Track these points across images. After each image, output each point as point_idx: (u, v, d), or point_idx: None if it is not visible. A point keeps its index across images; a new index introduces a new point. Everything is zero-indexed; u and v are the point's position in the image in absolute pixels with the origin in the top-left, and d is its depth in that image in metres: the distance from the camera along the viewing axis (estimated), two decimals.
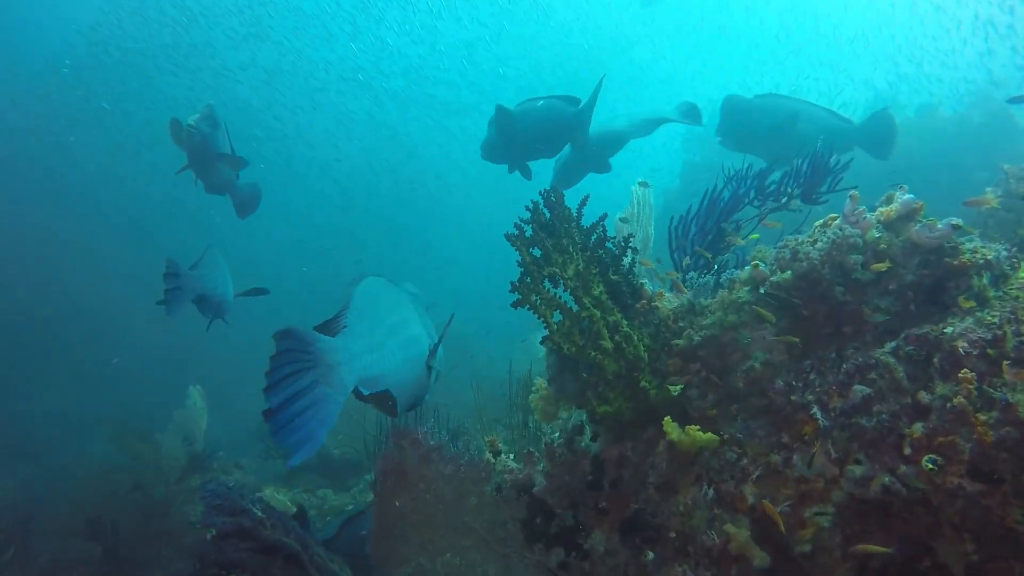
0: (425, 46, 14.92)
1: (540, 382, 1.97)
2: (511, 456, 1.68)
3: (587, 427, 1.77)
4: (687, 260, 1.74)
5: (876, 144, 3.21)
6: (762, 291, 1.47)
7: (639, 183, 2.33)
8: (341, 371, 1.32)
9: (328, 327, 1.44)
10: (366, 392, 1.39)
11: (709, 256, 1.82)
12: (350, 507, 3.60)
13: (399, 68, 15.26)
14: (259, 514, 1.42)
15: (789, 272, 1.38)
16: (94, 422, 6.17)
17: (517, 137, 3.01)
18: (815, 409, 1.28)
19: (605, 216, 1.65)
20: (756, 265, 1.48)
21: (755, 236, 1.85)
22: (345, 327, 1.44)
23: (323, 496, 3.79)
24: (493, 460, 1.66)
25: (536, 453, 1.67)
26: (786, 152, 3.04)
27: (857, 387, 1.23)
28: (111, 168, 13.07)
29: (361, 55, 14.64)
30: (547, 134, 3.05)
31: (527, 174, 3.31)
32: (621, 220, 2.26)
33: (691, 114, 3.37)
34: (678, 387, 1.31)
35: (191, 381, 4.85)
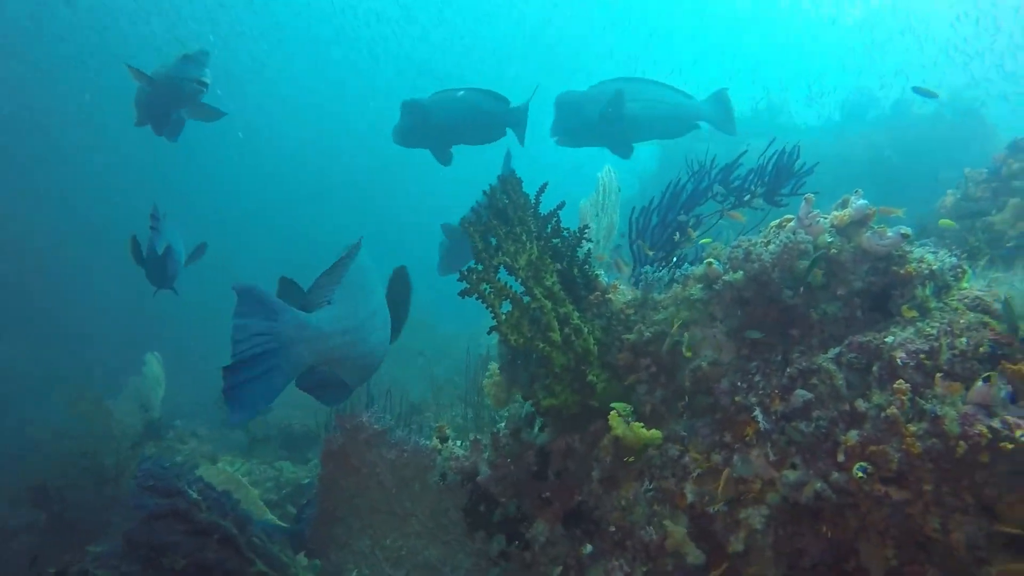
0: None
1: (494, 367, 1.96)
2: (459, 443, 1.67)
3: (527, 407, 1.76)
4: (647, 250, 1.73)
5: (720, 120, 3.24)
6: (716, 288, 1.46)
7: (606, 170, 2.30)
8: (299, 348, 1.30)
9: (313, 297, 1.43)
10: (318, 375, 1.38)
11: (650, 252, 1.81)
12: (306, 480, 3.59)
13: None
14: (194, 496, 1.39)
15: (741, 272, 1.37)
16: (50, 382, 6.03)
17: (431, 126, 3.03)
18: (757, 412, 1.28)
19: (563, 204, 1.62)
20: (710, 263, 1.47)
21: (707, 240, 1.84)
22: (329, 303, 1.43)
23: (280, 468, 3.77)
24: (440, 447, 1.65)
25: (484, 441, 1.66)
26: (624, 136, 3.08)
27: (799, 392, 1.24)
28: (68, 127, 12.57)
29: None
30: (465, 125, 3.09)
31: (445, 160, 3.31)
32: (585, 206, 2.23)
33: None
34: (659, 435, 1.32)
35: (153, 344, 4.74)
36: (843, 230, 1.32)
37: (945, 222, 1.73)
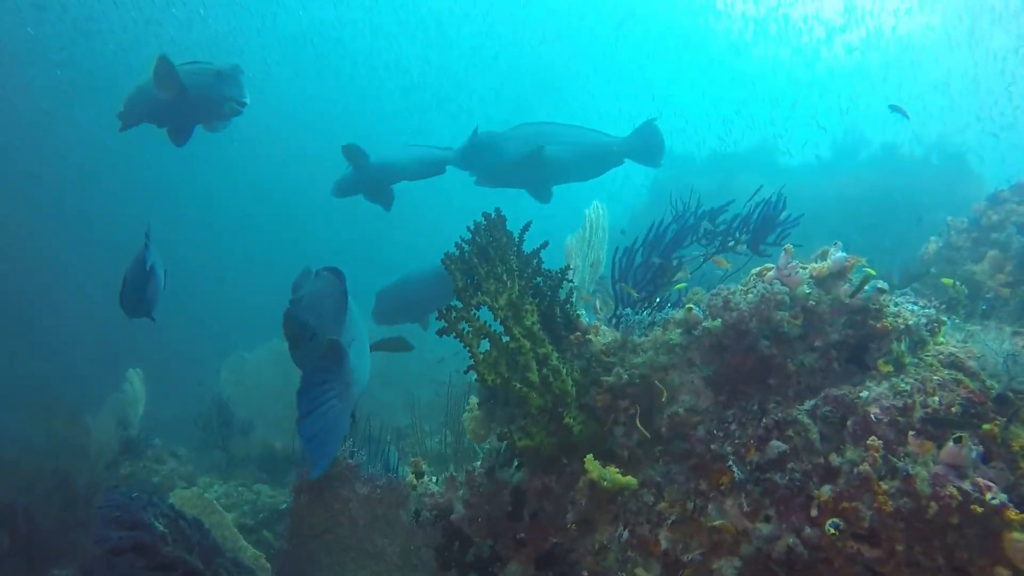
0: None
1: (474, 401, 1.95)
2: (435, 479, 1.65)
3: (502, 449, 1.75)
4: (630, 291, 1.73)
5: (646, 154, 3.18)
6: (695, 334, 1.47)
7: (594, 206, 2.32)
8: (353, 391, 1.52)
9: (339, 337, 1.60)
10: None
11: (635, 294, 1.81)
12: (283, 505, 3.52)
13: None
14: (160, 528, 1.35)
15: (720, 320, 1.38)
16: (20, 392, 5.92)
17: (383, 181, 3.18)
18: (731, 461, 1.28)
19: (546, 244, 1.63)
20: (690, 308, 1.48)
21: (681, 285, 1.85)
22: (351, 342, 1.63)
23: (258, 491, 3.70)
24: (415, 482, 1.63)
25: (459, 479, 1.64)
26: (544, 179, 3.10)
27: (774, 443, 1.23)
28: (39, 132, 12.54)
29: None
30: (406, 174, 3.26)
31: (387, 205, 3.42)
32: (571, 242, 2.24)
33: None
34: (634, 481, 1.31)
35: (131, 355, 4.67)
36: (822, 281, 1.33)
37: (947, 281, 1.75)
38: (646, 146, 3.12)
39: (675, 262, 1.87)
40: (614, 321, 1.85)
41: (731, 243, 1.76)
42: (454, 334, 1.34)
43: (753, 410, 1.33)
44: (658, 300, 1.84)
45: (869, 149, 6.73)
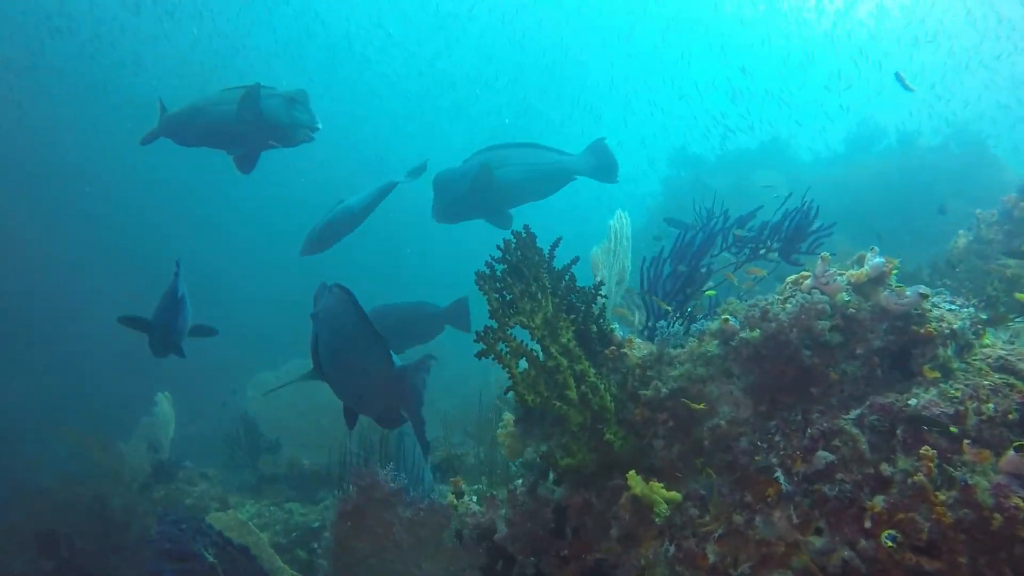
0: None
1: (508, 417, 1.95)
2: (474, 499, 1.65)
3: (543, 468, 1.74)
4: (661, 303, 1.73)
5: (600, 171, 3.15)
6: (732, 344, 1.46)
7: (617, 216, 2.32)
8: None
9: None
10: None
11: (669, 308, 1.80)
12: (316, 523, 3.54)
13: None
14: (210, 559, 1.37)
15: (758, 331, 1.37)
16: (53, 416, 6.01)
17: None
18: (778, 473, 1.26)
19: (576, 259, 1.63)
20: (726, 319, 1.47)
21: (711, 293, 1.84)
22: None
23: (290, 510, 3.72)
24: (456, 503, 1.63)
25: (499, 497, 1.64)
26: (498, 204, 3.07)
27: (821, 453, 1.22)
28: (68, 153, 12.78)
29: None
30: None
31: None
32: (597, 254, 2.24)
33: (417, 171, 3.39)
34: (678, 495, 1.30)
35: (158, 377, 4.72)
36: (860, 288, 1.32)
37: (1020, 296, 1.70)
38: (599, 164, 3.11)
39: (704, 270, 1.87)
40: (646, 333, 1.85)
41: (762, 251, 1.75)
42: (492, 356, 1.34)
43: (796, 420, 1.32)
44: (689, 310, 1.83)
45: (885, 139, 6.65)
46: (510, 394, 1.61)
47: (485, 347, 1.33)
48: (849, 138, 6.96)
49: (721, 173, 6.97)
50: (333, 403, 4.53)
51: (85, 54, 11.81)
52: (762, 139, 7.45)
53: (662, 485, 1.43)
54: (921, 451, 1.08)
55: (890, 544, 1.06)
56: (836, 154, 7.10)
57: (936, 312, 1.26)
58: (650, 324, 1.82)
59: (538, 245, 1.57)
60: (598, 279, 2.24)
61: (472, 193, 2.95)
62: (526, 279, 1.44)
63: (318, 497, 4.04)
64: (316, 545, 3.41)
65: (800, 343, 1.29)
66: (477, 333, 1.34)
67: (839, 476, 1.17)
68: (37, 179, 12.35)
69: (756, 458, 1.33)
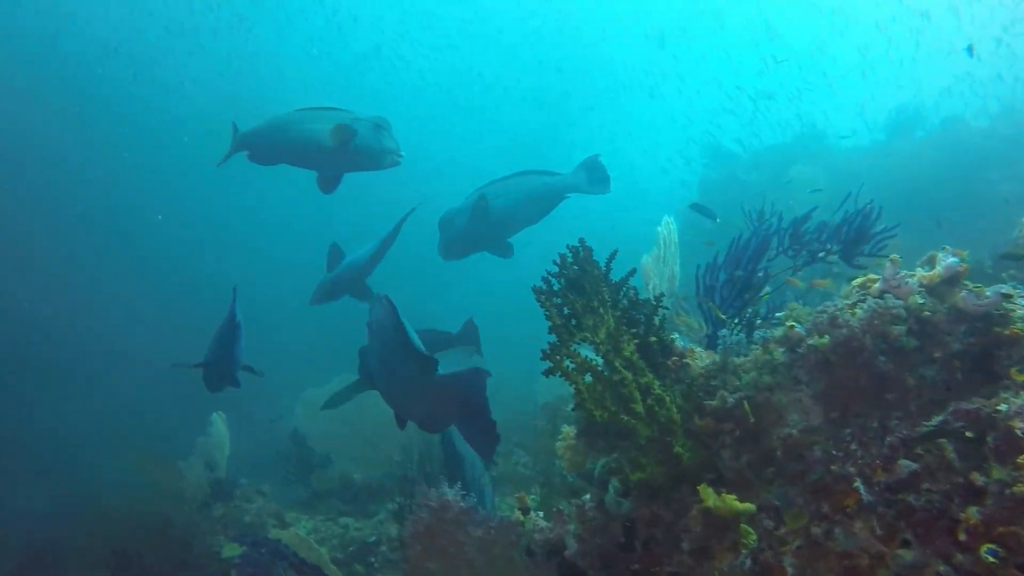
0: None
1: (567, 430, 1.95)
2: (540, 514, 1.65)
3: (612, 482, 1.74)
4: (719, 313, 1.71)
5: (593, 185, 3.18)
6: (799, 351, 1.44)
7: (665, 222, 2.31)
8: None
9: None
10: None
11: (723, 317, 1.78)
12: (372, 538, 3.59)
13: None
14: None
15: (827, 337, 1.34)
16: (113, 438, 6.24)
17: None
18: (858, 482, 1.24)
19: (633, 272, 1.63)
20: (791, 327, 1.45)
21: (766, 296, 1.81)
22: None
23: (345, 525, 3.79)
24: (522, 519, 1.64)
25: (566, 512, 1.64)
26: (498, 235, 3.15)
27: (903, 462, 1.19)
28: (116, 177, 13.26)
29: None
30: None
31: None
32: (648, 260, 2.23)
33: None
34: (752, 507, 1.29)
35: (208, 396, 4.86)
36: (933, 290, 1.29)
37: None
38: (592, 179, 3.16)
39: (760, 274, 1.84)
40: (705, 341, 1.83)
41: (821, 254, 1.72)
42: (559, 373, 1.35)
43: (873, 428, 1.29)
44: (748, 317, 1.81)
45: (927, 124, 6.45)
46: (570, 406, 1.61)
47: (552, 365, 1.34)
48: (889, 124, 6.76)
49: (756, 169, 6.85)
50: (381, 416, 4.59)
51: (126, 78, 12.32)
52: (797, 131, 7.30)
53: (734, 496, 1.41)
54: (1018, 460, 1.04)
55: (991, 560, 1.03)
56: (876, 142, 6.90)
57: (1020, 312, 1.22)
58: (708, 332, 1.80)
59: (595, 259, 1.57)
60: (649, 287, 2.23)
61: (472, 226, 3.05)
62: (587, 293, 1.44)
63: (371, 511, 4.10)
64: (373, 559, 3.47)
65: (875, 349, 1.26)
66: (543, 351, 1.35)
67: (925, 486, 1.14)
68: (79, 203, 12.84)
69: (832, 467, 1.30)
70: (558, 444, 1.95)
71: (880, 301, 1.25)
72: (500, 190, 3.13)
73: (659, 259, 2.17)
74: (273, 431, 5.51)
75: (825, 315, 1.35)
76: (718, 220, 3.46)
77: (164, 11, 12.05)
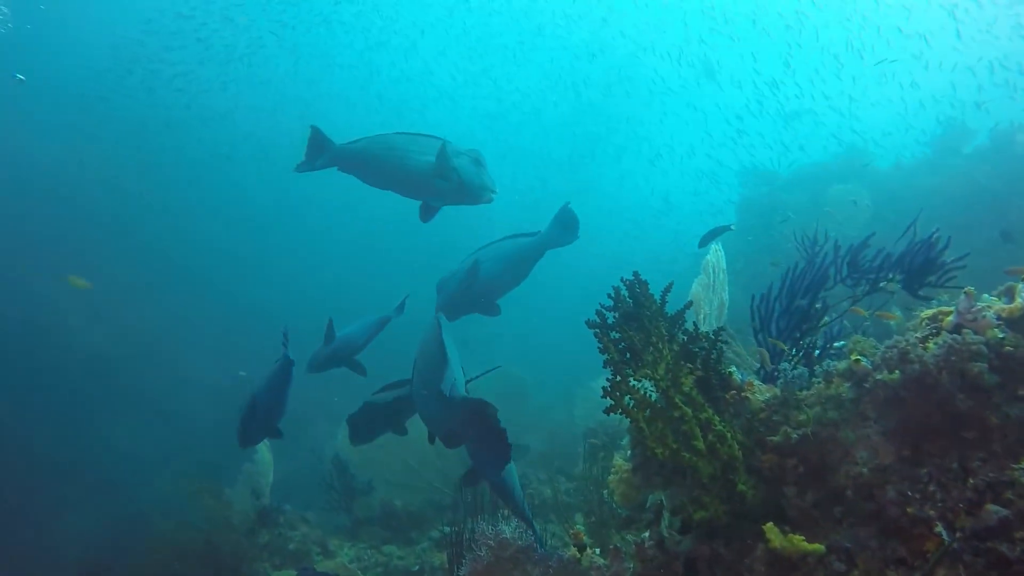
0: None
1: (619, 463, 1.92)
2: (596, 551, 1.63)
3: (665, 515, 1.70)
4: (779, 343, 1.67)
5: (565, 234, 3.21)
6: (866, 386, 1.39)
7: (713, 250, 2.28)
8: None
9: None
10: None
11: (785, 348, 1.74)
12: (415, 567, 3.58)
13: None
14: None
15: (898, 372, 1.30)
16: (165, 463, 6.38)
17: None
18: (940, 527, 1.18)
19: (690, 305, 1.61)
20: (857, 360, 1.41)
21: (824, 325, 1.77)
22: None
23: (388, 554, 3.78)
24: (579, 555, 1.61)
25: (623, 549, 1.61)
26: (488, 297, 3.22)
27: (991, 507, 1.13)
28: (168, 204, 13.77)
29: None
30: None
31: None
32: (697, 289, 2.21)
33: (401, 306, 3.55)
34: (821, 548, 1.25)
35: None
36: (1014, 323, 1.24)
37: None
38: (563, 232, 3.20)
39: (819, 305, 1.80)
40: (763, 374, 1.79)
41: (882, 284, 1.67)
42: (620, 411, 1.34)
43: (953, 469, 1.24)
44: (806, 348, 1.76)
45: (975, 140, 6.25)
46: (625, 440, 1.59)
47: (614, 403, 1.33)
48: (934, 140, 6.58)
49: (795, 189, 6.73)
50: (420, 443, 4.60)
51: (179, 104, 12.92)
52: (836, 150, 7.17)
53: (802, 537, 1.36)
54: None
55: None
56: (920, 159, 6.72)
57: None
58: (767, 366, 1.76)
59: (650, 292, 1.56)
60: (700, 316, 2.20)
61: (465, 291, 3.16)
62: (646, 328, 1.43)
63: (413, 538, 4.09)
64: None
65: (952, 386, 1.22)
66: (604, 389, 1.34)
67: (1020, 535, 1.08)
68: (124, 224, 13.37)
69: (908, 509, 1.25)
70: (610, 478, 1.92)
71: (957, 337, 1.21)
72: (490, 255, 3.22)
73: (708, 287, 2.14)
74: (314, 456, 5.57)
75: (895, 350, 1.31)
76: (733, 227, 3.54)
77: (221, 46, 12.64)
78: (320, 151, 2.84)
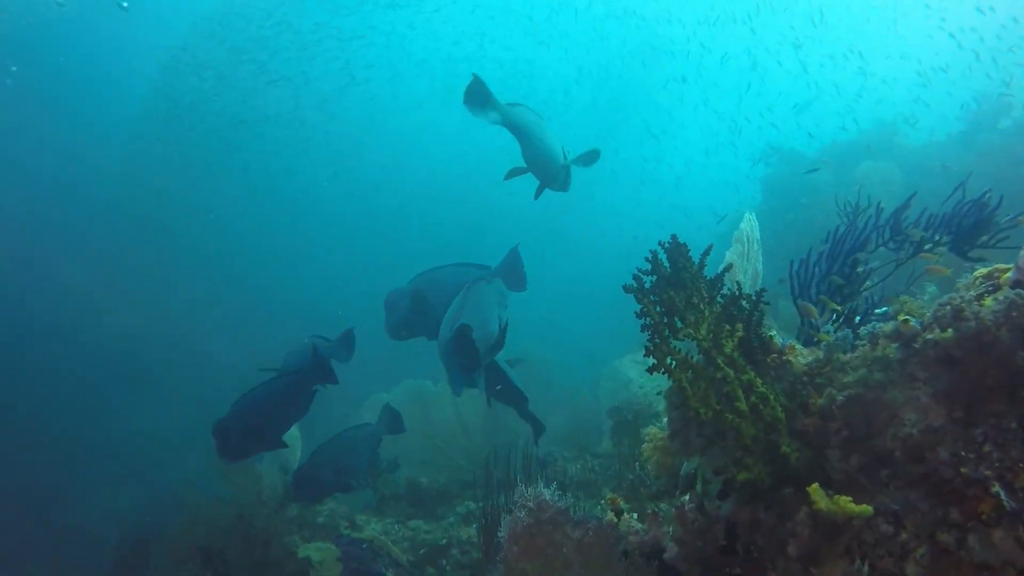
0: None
1: (654, 431, 1.91)
2: (634, 516, 1.62)
3: (699, 481, 1.68)
4: (832, 304, 1.64)
5: (514, 284, 3.21)
6: (915, 347, 1.36)
7: (747, 219, 2.24)
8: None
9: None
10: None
11: (838, 307, 1.71)
12: (443, 541, 3.61)
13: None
14: None
15: (951, 331, 1.26)
16: (196, 441, 6.51)
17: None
18: (996, 487, 1.15)
19: (730, 267, 1.58)
20: (906, 321, 1.37)
21: (866, 287, 1.72)
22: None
23: (415, 528, 3.82)
24: (616, 520, 1.61)
25: (661, 514, 1.60)
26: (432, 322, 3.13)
27: None
28: (196, 194, 13.96)
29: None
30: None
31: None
32: (729, 259, 2.17)
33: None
34: (869, 509, 1.22)
35: None
36: None
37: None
38: (513, 273, 3.19)
39: (860, 269, 1.76)
40: (802, 338, 1.76)
41: (927, 247, 1.63)
42: (663, 371, 1.32)
43: (1011, 429, 1.20)
44: (848, 314, 1.73)
45: (1011, 114, 6.05)
46: (661, 405, 1.57)
47: (656, 362, 1.31)
48: (967, 115, 6.39)
49: (822, 166, 6.59)
50: (446, 422, 4.63)
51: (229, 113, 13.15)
52: (864, 127, 7.00)
53: (849, 498, 1.34)
54: None
55: None
56: (952, 135, 6.53)
57: None
58: (805, 328, 1.73)
59: (690, 255, 1.53)
60: (734, 284, 2.17)
61: (411, 316, 3.19)
62: (688, 289, 1.41)
63: (438, 514, 4.13)
64: (444, 562, 3.48)
65: (1012, 343, 1.18)
66: (647, 348, 1.32)
67: None
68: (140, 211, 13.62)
69: (962, 470, 1.22)
70: (644, 446, 1.91)
71: (1020, 292, 1.17)
72: (435, 280, 3.21)
73: (742, 255, 2.10)
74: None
75: (948, 307, 1.27)
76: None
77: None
78: (485, 101, 2.78)
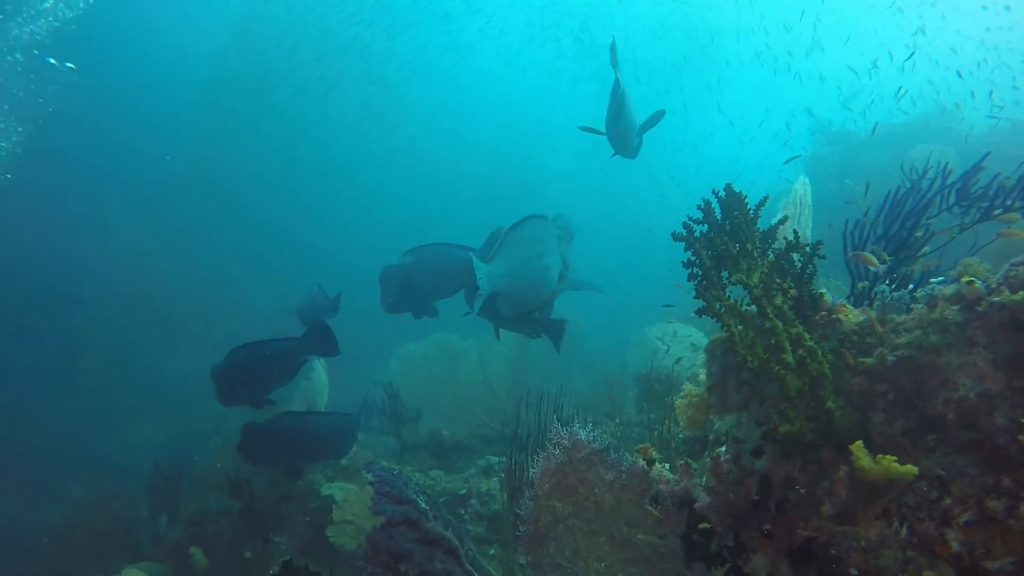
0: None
1: (689, 388, 1.89)
2: (666, 466, 1.61)
3: (729, 442, 1.66)
4: (885, 256, 1.58)
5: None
6: (978, 310, 1.30)
7: (801, 181, 2.17)
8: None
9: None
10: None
11: (888, 258, 1.65)
12: (463, 491, 3.67)
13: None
14: (423, 505, 1.44)
15: (1021, 294, 1.21)
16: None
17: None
18: None
19: (784, 220, 1.53)
20: (971, 282, 1.31)
21: (924, 252, 1.65)
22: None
23: (435, 477, 3.88)
24: (648, 469, 1.60)
25: (694, 465, 1.59)
26: (424, 302, 3.37)
27: None
28: (213, 177, 14.17)
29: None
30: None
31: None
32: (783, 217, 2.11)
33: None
34: (914, 470, 1.19)
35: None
36: None
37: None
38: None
39: (920, 233, 1.69)
40: (852, 299, 1.71)
41: (996, 212, 1.55)
42: (711, 314, 1.29)
43: None
44: (901, 279, 1.67)
45: None
46: (701, 358, 1.55)
47: (706, 304, 1.28)
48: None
49: (874, 149, 6.35)
50: (471, 379, 4.66)
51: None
52: (923, 110, 6.70)
53: (893, 458, 1.31)
54: None
55: None
56: (1019, 122, 6.20)
57: None
58: (856, 290, 1.68)
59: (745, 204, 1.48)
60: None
61: (400, 294, 3.31)
62: (741, 238, 1.37)
63: (458, 466, 4.19)
64: (463, 511, 3.54)
65: None
66: (697, 289, 1.29)
67: None
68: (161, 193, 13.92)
69: (1021, 438, 1.18)
70: (678, 402, 1.90)
71: None
72: (422, 258, 3.32)
73: (793, 218, 2.04)
74: (367, 387, 5.77)
75: (1020, 268, 1.21)
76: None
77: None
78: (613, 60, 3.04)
